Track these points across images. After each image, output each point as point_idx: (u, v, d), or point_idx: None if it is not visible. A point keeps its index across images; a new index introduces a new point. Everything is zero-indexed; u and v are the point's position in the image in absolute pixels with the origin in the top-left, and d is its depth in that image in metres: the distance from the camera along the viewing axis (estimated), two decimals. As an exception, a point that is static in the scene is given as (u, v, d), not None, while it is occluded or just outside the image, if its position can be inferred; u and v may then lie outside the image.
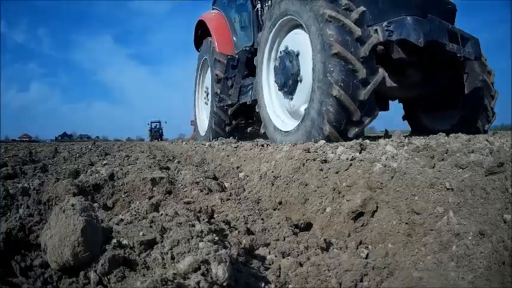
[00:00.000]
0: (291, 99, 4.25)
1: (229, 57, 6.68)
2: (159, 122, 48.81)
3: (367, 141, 2.63)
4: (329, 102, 3.38)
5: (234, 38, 6.93)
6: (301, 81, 4.04)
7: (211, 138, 7.16)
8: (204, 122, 8.50)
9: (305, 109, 3.77)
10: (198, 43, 8.39)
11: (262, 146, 3.62)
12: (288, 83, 4.16)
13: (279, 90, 4.41)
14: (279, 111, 4.64)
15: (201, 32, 7.97)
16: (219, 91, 6.75)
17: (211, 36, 7.37)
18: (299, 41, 4.11)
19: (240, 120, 7.22)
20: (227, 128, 7.15)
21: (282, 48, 4.44)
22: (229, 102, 6.40)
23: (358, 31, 3.42)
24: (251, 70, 5.88)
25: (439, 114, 5.31)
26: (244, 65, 6.18)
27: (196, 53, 8.59)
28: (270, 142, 4.44)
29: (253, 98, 5.62)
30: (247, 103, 5.97)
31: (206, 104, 8.20)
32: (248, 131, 7.75)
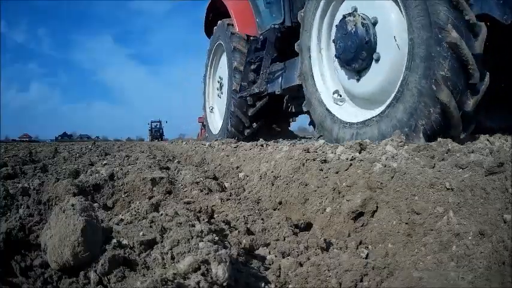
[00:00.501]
0: (358, 80, 3.32)
1: (252, 38, 5.79)
2: (160, 121, 48.51)
3: (367, 140, 2.63)
4: (430, 106, 2.56)
5: (257, 18, 5.87)
6: (377, 60, 3.09)
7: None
8: (216, 118, 7.52)
9: (390, 102, 2.91)
10: (209, 29, 7.42)
11: (262, 146, 3.62)
12: (358, 59, 3.17)
13: (342, 67, 3.46)
14: (335, 94, 3.70)
15: (213, 17, 7.10)
16: (238, 87, 5.81)
17: (226, 17, 6.40)
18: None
19: (263, 122, 6.25)
20: (246, 132, 6.18)
21: (346, 8, 3.44)
22: (256, 91, 5.30)
23: (472, 15, 2.48)
24: (281, 53, 5.09)
25: (495, 110, 4.22)
26: (273, 46, 5.12)
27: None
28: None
29: (285, 86, 4.82)
30: (276, 92, 5.06)
31: (219, 96, 7.21)
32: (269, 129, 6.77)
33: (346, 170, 1.82)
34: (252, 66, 5.67)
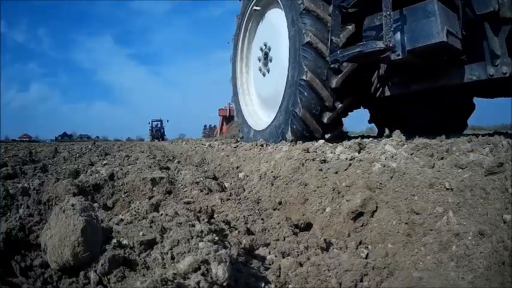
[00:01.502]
0: None
1: None
2: (161, 120, 47.00)
3: (366, 140, 2.63)
4: None
5: None
6: None
7: (289, 136, 3.96)
8: (256, 109, 5.28)
9: None
10: None
11: (262, 146, 3.62)
12: None
13: None
14: None
15: None
16: (316, 39, 3.66)
17: None
18: None
19: (351, 101, 3.88)
20: (326, 117, 3.80)
21: None
22: (380, 47, 2.94)
23: None
24: None
25: None
26: None
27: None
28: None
29: (411, 47, 2.92)
30: (394, 57, 3.02)
31: (264, 74, 4.87)
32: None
33: (345, 170, 1.82)
34: (340, 16, 3.44)
